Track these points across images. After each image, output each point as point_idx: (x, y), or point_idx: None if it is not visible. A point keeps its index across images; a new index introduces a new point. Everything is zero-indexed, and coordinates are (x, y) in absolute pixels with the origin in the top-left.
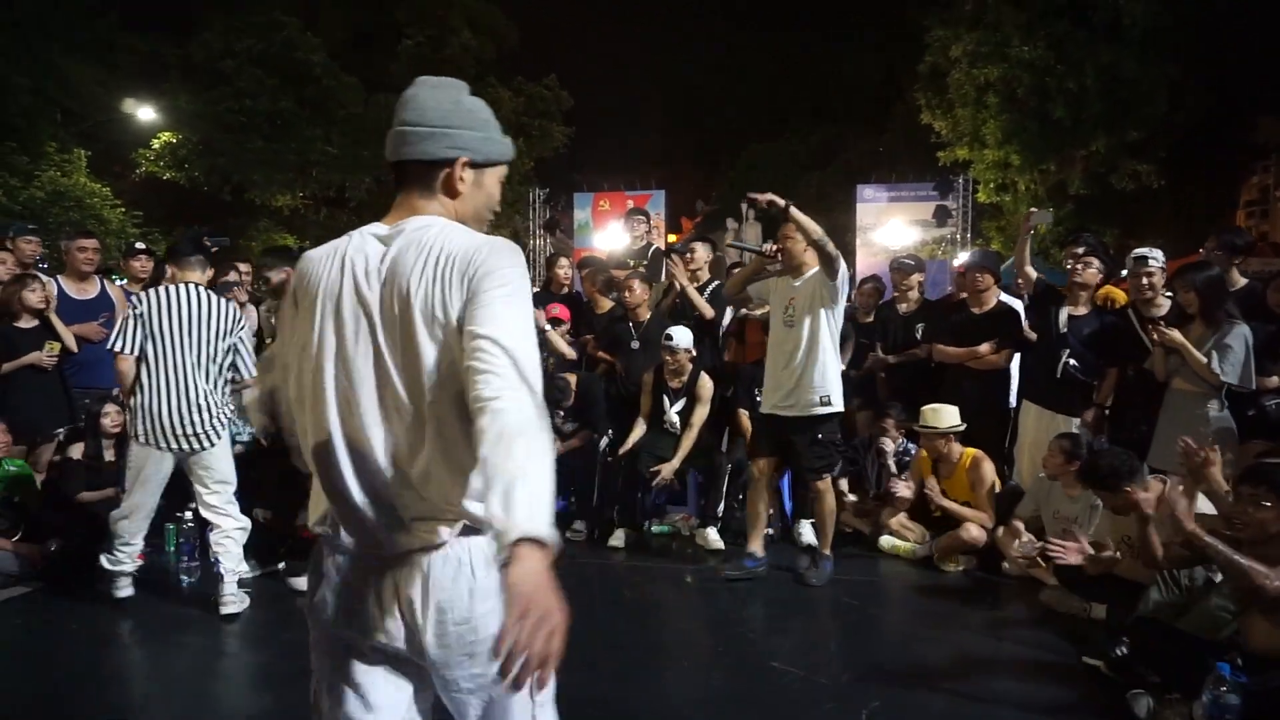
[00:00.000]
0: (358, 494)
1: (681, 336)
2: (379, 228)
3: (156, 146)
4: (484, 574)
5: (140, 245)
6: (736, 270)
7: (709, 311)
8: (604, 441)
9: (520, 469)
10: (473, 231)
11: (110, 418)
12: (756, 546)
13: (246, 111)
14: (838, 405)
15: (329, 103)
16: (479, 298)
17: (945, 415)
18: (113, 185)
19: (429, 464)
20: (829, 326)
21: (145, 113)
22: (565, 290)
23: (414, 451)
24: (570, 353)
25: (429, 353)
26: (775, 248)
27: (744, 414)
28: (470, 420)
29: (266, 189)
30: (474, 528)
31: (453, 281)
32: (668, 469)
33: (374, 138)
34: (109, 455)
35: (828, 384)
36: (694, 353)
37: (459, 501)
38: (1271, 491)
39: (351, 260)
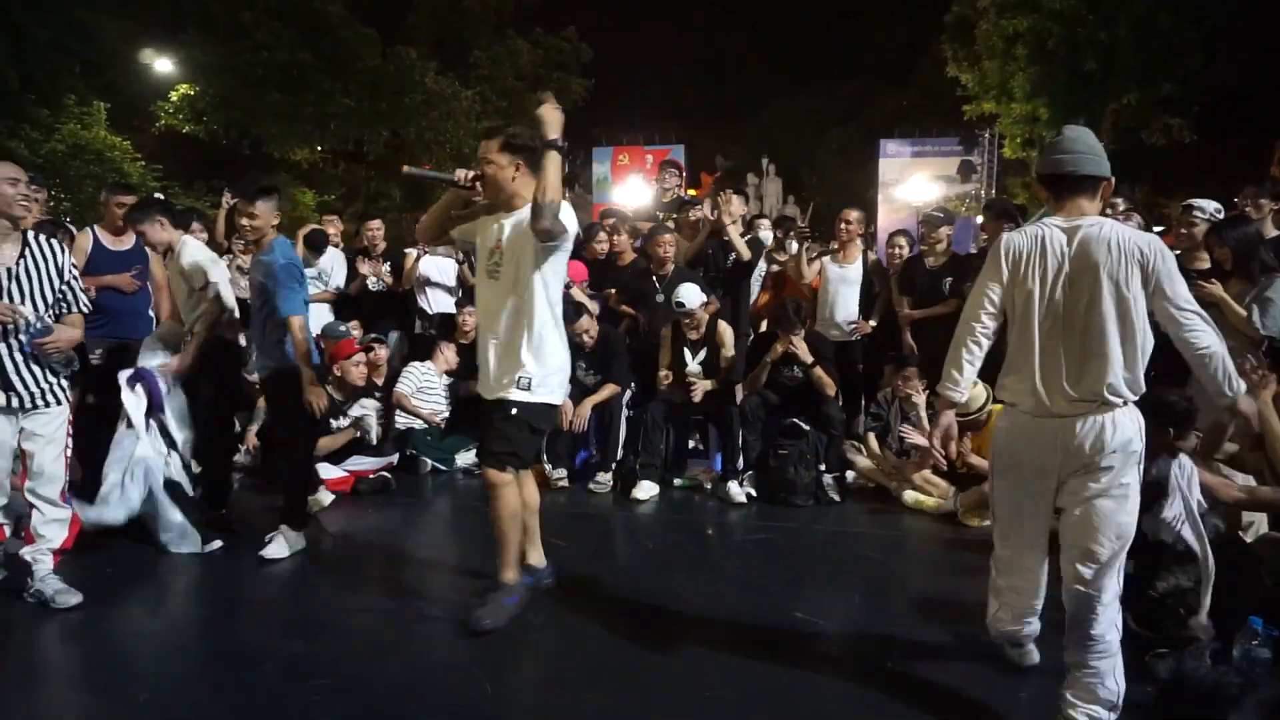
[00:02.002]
0: (1041, 380)
1: (690, 296)
2: (1059, 220)
3: (175, 99)
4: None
5: (159, 195)
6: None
7: (747, 253)
8: (627, 394)
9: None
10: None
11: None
12: (510, 575)
13: (264, 64)
14: (545, 396)
15: (346, 55)
16: (1162, 277)
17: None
18: (132, 139)
19: (1096, 364)
20: (544, 285)
21: (163, 65)
22: (602, 258)
23: (1091, 357)
24: (589, 304)
25: (1109, 303)
26: (471, 175)
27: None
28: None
29: (284, 142)
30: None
31: (1133, 262)
32: (701, 386)
33: (391, 90)
34: None
35: (536, 363)
36: (708, 302)
37: (1104, 389)
38: None
39: (1046, 240)
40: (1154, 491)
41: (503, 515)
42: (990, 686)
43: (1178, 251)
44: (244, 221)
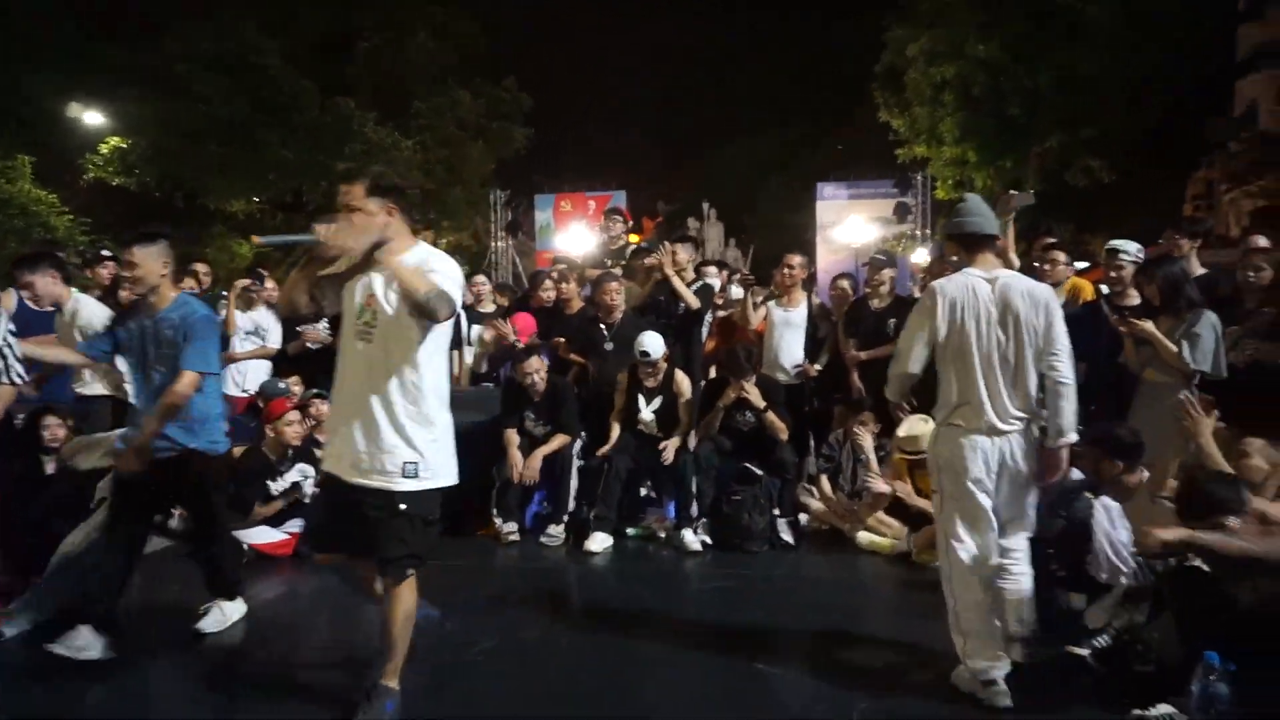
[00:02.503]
0: (990, 406)
1: (654, 345)
2: (979, 271)
3: (105, 151)
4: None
5: (106, 251)
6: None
7: (695, 302)
8: (577, 444)
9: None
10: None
11: (49, 430)
12: (394, 681)
13: (202, 116)
14: (437, 480)
15: (285, 106)
16: (1053, 319)
17: (923, 438)
18: (60, 193)
19: (1023, 389)
20: (431, 351)
21: (93, 117)
22: (549, 306)
23: (1020, 384)
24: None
25: (1026, 340)
26: (328, 229)
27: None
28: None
29: (222, 194)
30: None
31: (1040, 308)
32: (672, 445)
33: (331, 141)
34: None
35: (424, 443)
36: (667, 353)
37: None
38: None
39: (975, 289)
40: (1078, 538)
41: (398, 619)
42: None
43: (1106, 291)
44: (124, 273)
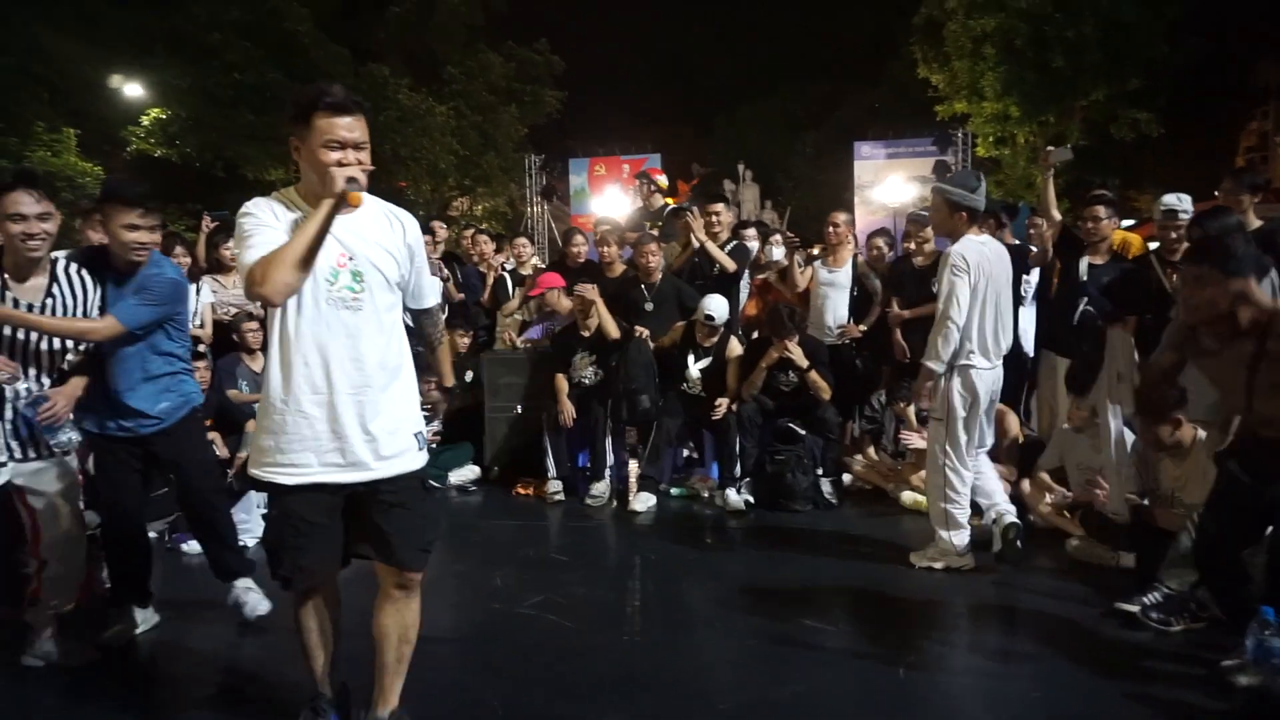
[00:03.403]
0: (991, 344)
1: (719, 309)
2: (983, 237)
3: (146, 123)
4: None
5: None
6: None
7: (731, 264)
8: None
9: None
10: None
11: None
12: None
13: (235, 85)
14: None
15: (318, 74)
16: None
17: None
18: (104, 164)
19: (1006, 332)
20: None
21: (133, 89)
22: (579, 264)
23: (1005, 328)
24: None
25: (1007, 291)
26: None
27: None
28: None
29: (260, 163)
30: None
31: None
32: (723, 403)
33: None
34: None
35: (418, 406)
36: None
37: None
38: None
39: (988, 251)
40: None
41: (417, 621)
42: (1001, 685)
43: (1156, 246)
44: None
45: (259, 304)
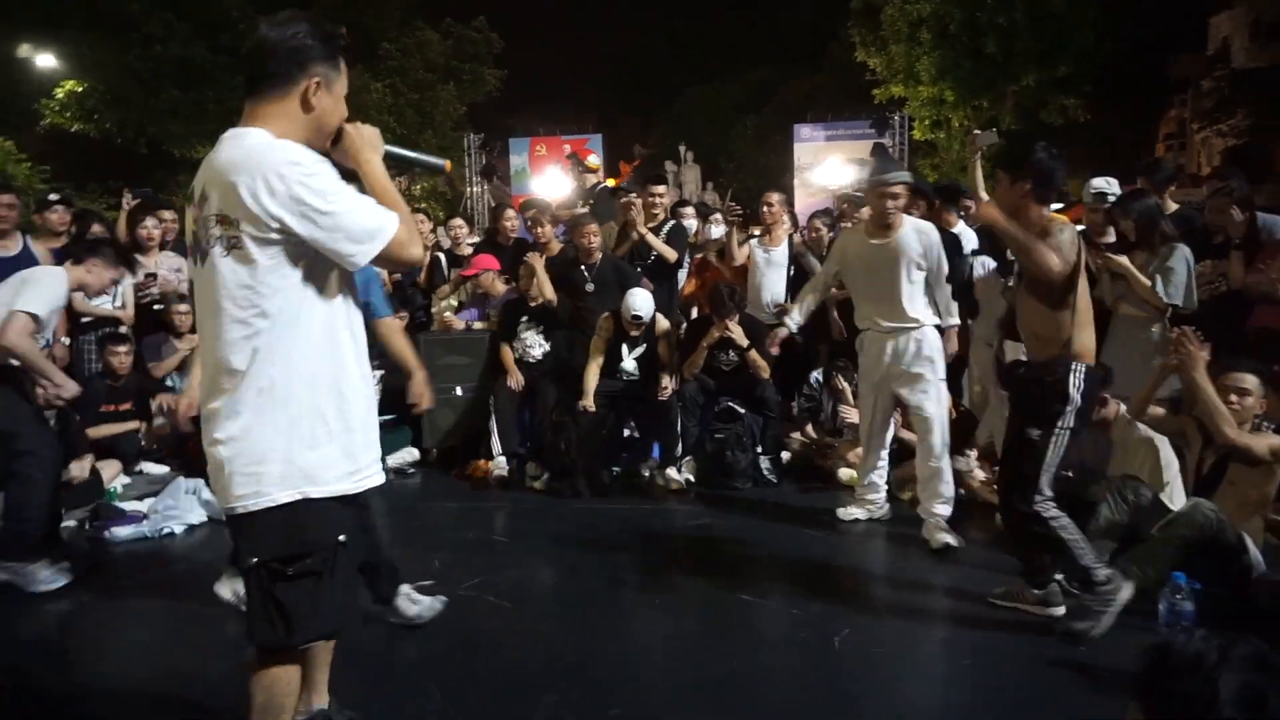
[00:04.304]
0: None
1: (644, 307)
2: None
3: (60, 96)
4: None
5: (54, 196)
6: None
7: (671, 254)
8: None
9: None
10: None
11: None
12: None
13: (156, 59)
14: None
15: None
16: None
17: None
18: (15, 138)
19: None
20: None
21: (45, 59)
22: (511, 240)
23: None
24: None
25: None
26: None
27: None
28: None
29: (187, 141)
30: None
31: None
32: (667, 383)
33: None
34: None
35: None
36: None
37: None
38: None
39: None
40: None
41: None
42: (938, 655)
43: (1082, 228)
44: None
45: (397, 268)
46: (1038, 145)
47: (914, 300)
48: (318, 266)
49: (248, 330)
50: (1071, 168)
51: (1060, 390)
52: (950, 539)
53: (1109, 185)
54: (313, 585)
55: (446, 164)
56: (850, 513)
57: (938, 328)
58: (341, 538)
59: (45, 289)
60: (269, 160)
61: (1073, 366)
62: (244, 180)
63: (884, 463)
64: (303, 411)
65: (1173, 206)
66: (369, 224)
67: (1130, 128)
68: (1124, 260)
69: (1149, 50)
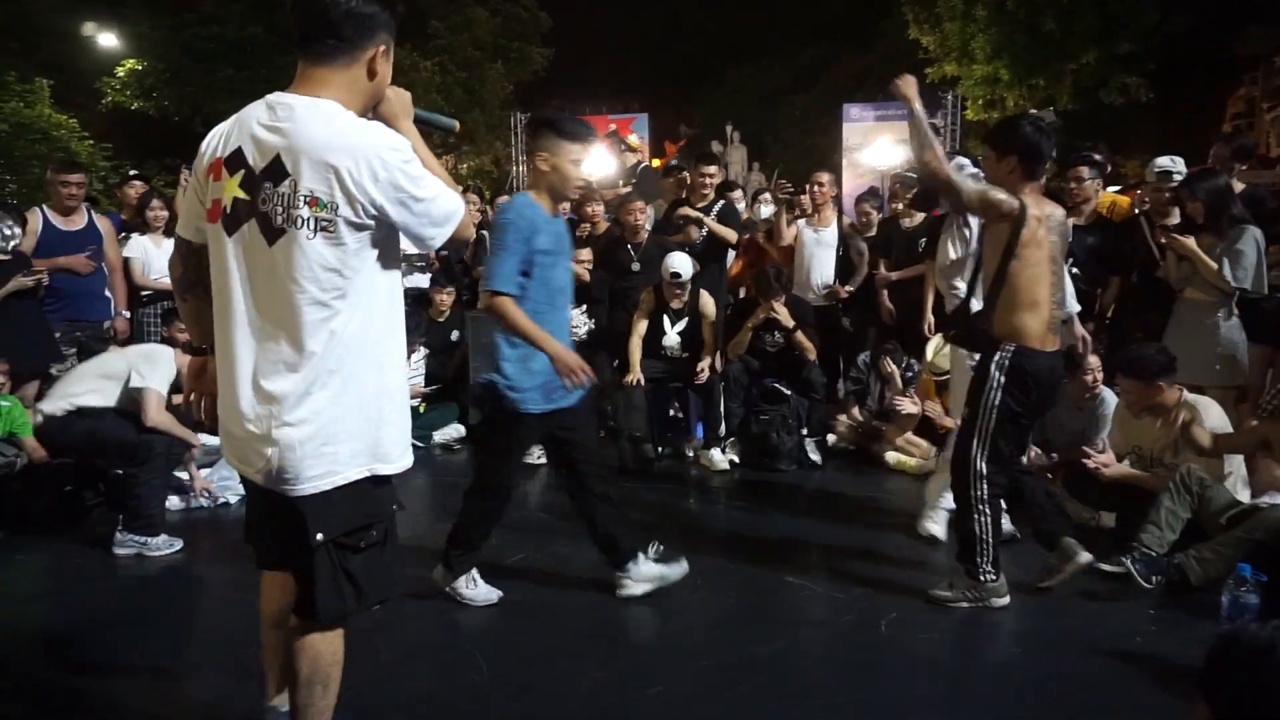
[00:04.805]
0: None
1: (683, 265)
2: None
3: (121, 75)
4: None
5: (134, 172)
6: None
7: (733, 236)
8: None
9: None
10: None
11: None
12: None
13: (214, 38)
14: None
15: None
16: None
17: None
18: (79, 116)
19: None
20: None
21: (107, 39)
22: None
23: None
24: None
25: None
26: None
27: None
28: None
29: None
30: None
31: None
32: (706, 365)
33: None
34: None
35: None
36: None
37: None
38: None
39: None
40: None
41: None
42: (989, 643)
43: (1146, 206)
44: None
45: (455, 246)
46: (1023, 119)
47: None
48: (389, 247)
49: (326, 312)
50: (1135, 149)
51: (983, 371)
52: (939, 531)
53: (1173, 164)
54: (379, 554)
55: (456, 124)
56: (926, 528)
57: None
58: (394, 506)
59: (166, 368)
60: (371, 144)
61: (1000, 347)
62: (345, 163)
63: None
64: (371, 391)
65: (1239, 186)
66: (449, 207)
67: (1196, 107)
68: (1190, 242)
69: (1218, 26)
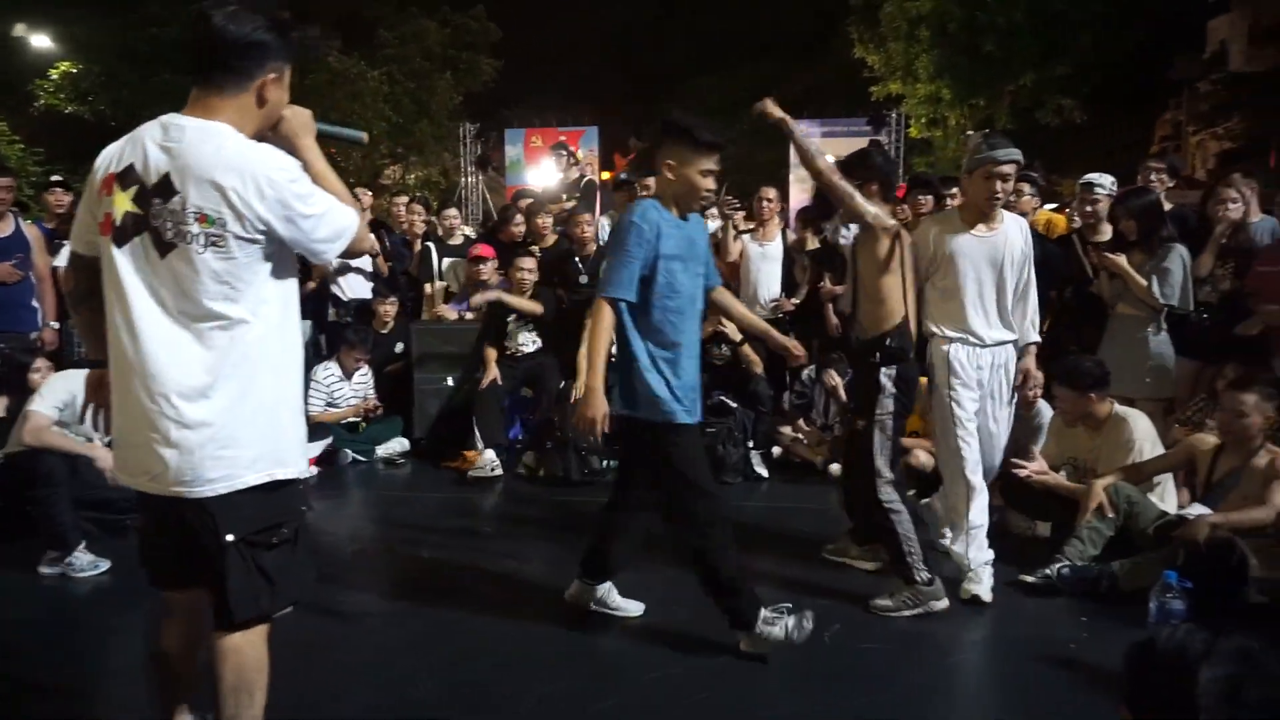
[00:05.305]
0: None
1: None
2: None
3: (55, 77)
4: None
5: (57, 178)
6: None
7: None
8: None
9: None
10: None
11: (40, 374)
12: None
13: (153, 41)
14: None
15: None
16: None
17: None
18: (9, 120)
19: None
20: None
21: (40, 40)
22: (516, 240)
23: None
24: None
25: None
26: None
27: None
28: None
29: None
30: None
31: None
32: None
33: (293, 69)
34: None
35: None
36: None
37: None
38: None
39: None
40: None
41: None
42: (929, 651)
43: (1077, 225)
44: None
45: (351, 257)
46: (870, 149)
47: (1012, 309)
48: (281, 260)
49: (221, 322)
50: (1070, 168)
51: (873, 379)
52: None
53: (1100, 178)
54: (290, 551)
55: (364, 136)
56: (970, 590)
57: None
58: (303, 507)
59: (60, 386)
60: (258, 164)
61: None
62: (232, 183)
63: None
64: (270, 398)
65: (1168, 206)
66: (339, 224)
67: (1127, 130)
68: (1122, 260)
69: (1150, 52)
